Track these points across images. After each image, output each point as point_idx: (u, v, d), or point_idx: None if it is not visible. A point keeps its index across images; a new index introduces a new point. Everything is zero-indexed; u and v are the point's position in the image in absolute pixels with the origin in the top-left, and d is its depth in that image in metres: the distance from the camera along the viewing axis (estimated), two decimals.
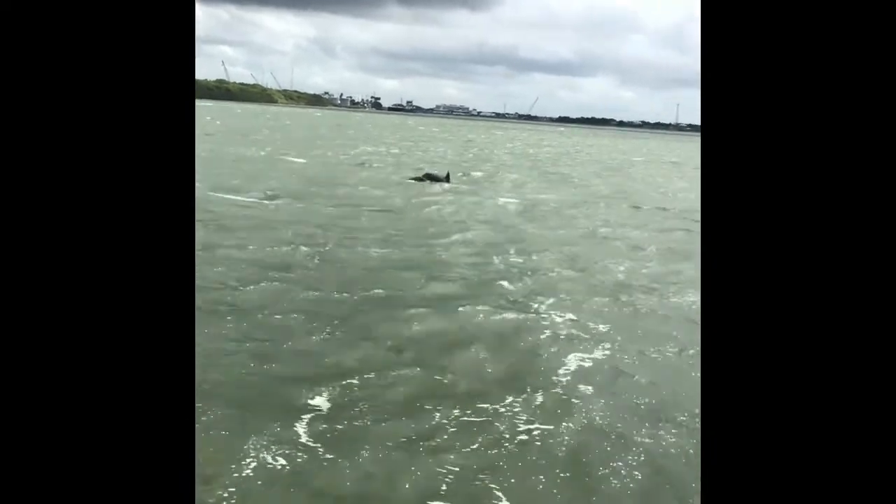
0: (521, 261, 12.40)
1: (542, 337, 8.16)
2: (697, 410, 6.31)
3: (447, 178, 24.48)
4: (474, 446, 5.41)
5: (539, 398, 6.39)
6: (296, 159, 31.17)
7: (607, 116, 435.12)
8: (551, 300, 9.81)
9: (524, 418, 5.96)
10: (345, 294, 9.34)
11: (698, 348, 7.97)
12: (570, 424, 5.91)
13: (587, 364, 7.38)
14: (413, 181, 24.19)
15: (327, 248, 12.16)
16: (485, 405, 6.14)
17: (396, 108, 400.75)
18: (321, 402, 5.99)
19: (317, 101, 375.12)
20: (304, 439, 5.33)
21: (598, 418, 6.08)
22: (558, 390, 6.62)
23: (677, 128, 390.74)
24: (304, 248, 11.97)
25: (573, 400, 6.41)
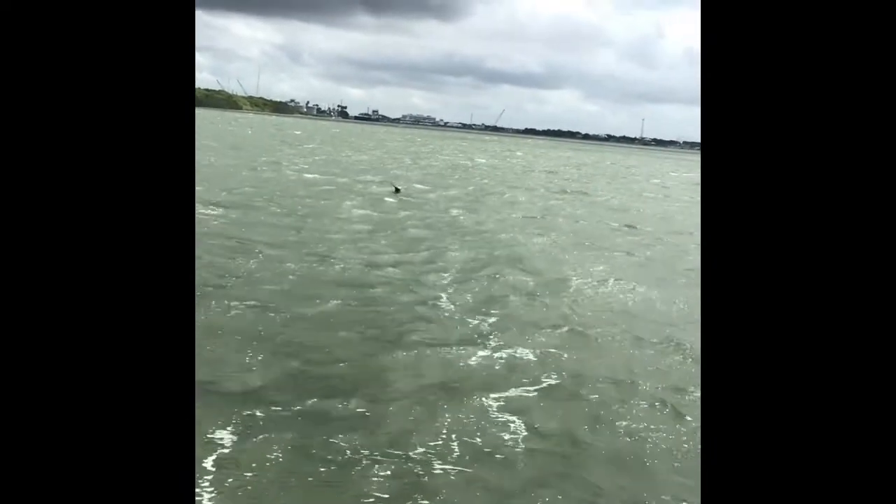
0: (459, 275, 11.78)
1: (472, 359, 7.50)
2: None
3: (397, 190, 24.88)
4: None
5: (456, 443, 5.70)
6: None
7: (573, 129, 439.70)
8: (493, 319, 9.19)
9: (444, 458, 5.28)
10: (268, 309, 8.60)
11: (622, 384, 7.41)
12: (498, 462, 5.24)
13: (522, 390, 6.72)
14: (369, 193, 23.77)
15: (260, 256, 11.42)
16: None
17: (363, 117, 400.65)
18: None
19: (283, 108, 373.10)
20: None
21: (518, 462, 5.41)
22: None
23: (642, 142, 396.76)
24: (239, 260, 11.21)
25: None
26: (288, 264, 11.70)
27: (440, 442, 5.73)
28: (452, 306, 10.00)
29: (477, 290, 11.14)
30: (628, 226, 21.58)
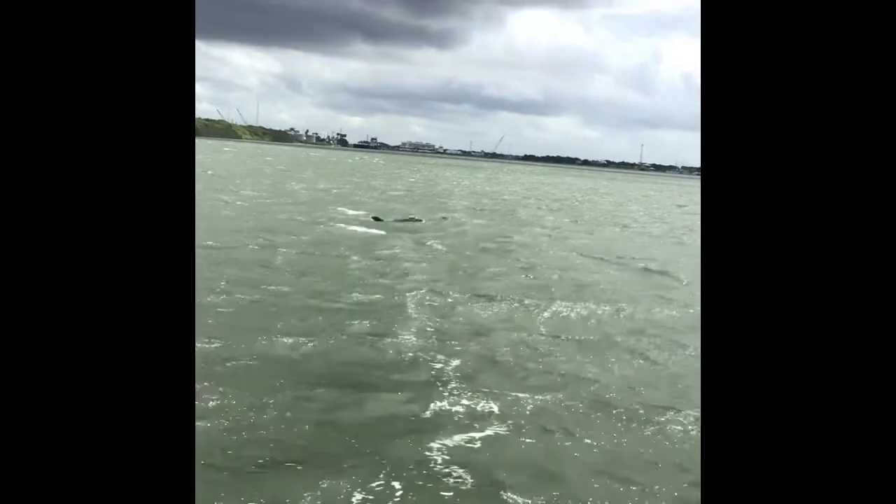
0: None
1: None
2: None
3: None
4: None
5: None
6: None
7: (572, 155, 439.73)
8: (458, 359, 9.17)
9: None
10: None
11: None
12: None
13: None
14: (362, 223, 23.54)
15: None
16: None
17: (362, 145, 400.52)
18: None
19: (282, 137, 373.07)
20: None
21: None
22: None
23: (640, 167, 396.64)
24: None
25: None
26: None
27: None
28: None
29: None
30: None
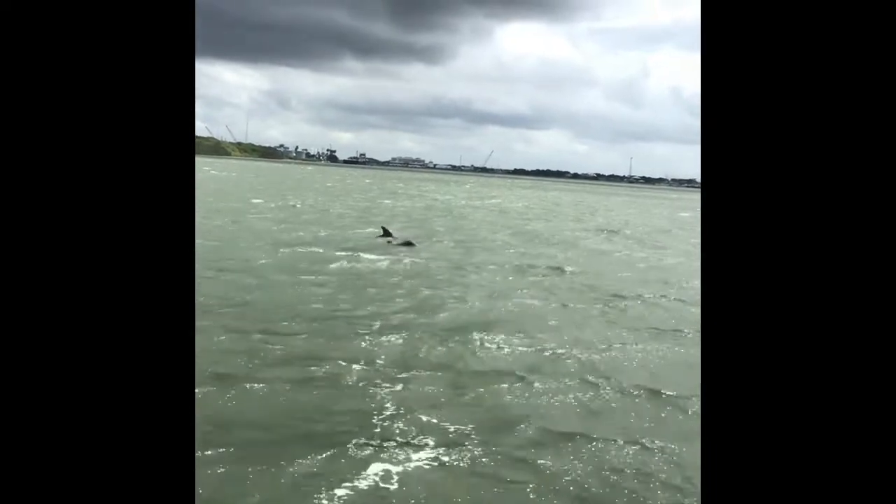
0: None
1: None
2: None
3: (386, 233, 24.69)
4: None
5: None
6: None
7: (562, 169, 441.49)
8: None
9: None
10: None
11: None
12: None
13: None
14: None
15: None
16: None
17: (352, 161, 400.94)
18: None
19: (272, 153, 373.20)
20: None
21: None
22: None
23: (630, 180, 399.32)
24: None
25: None
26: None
27: None
28: None
29: None
30: None
